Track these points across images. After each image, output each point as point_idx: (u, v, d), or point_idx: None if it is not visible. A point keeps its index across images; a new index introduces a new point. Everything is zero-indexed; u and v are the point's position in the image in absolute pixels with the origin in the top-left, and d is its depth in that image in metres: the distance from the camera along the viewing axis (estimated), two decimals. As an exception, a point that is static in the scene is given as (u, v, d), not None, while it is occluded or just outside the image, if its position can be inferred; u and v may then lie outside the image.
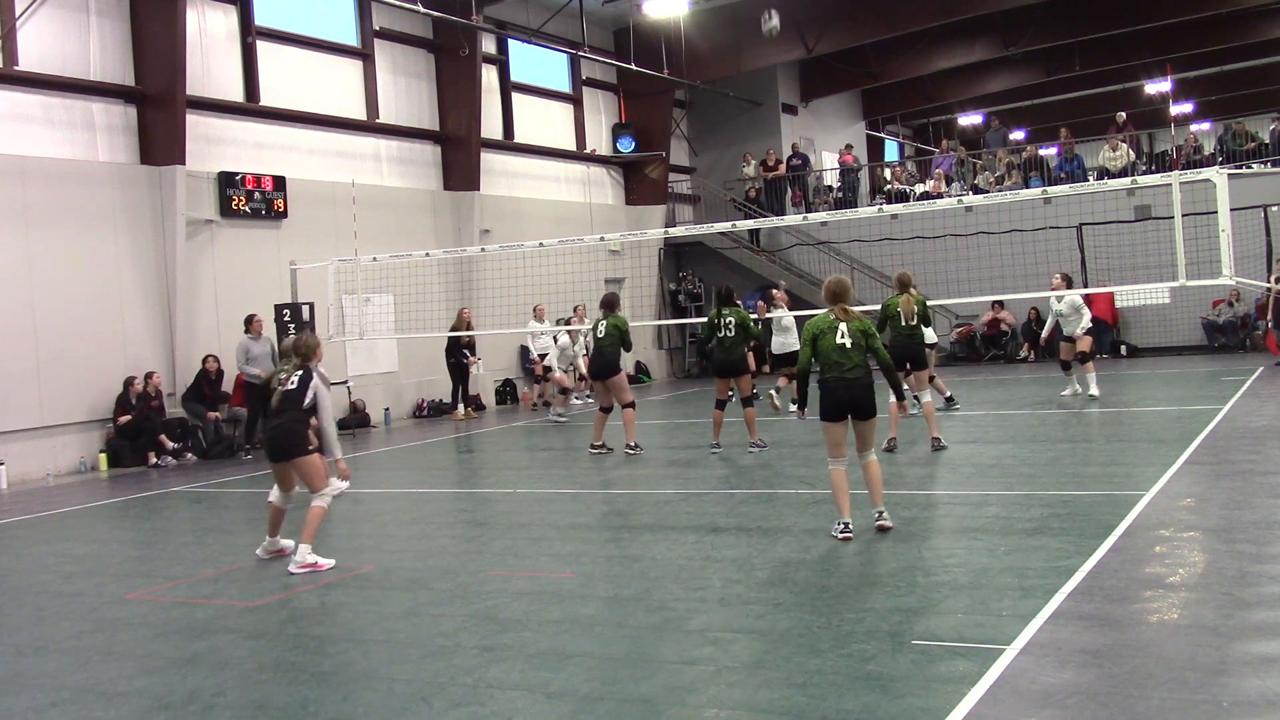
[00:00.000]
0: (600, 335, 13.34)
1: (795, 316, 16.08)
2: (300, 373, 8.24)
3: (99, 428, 15.63)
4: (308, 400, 8.15)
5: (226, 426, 16.51)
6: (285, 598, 7.30)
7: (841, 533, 7.82)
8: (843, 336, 7.91)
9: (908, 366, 11.84)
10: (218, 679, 5.66)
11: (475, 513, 10.30)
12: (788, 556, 7.42)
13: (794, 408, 15.82)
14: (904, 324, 11.81)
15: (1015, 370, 21.44)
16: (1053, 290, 15.53)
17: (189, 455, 15.96)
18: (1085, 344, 15.40)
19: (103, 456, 15.47)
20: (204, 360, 16.43)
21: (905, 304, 11.83)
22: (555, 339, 19.02)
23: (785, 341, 16.35)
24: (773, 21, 11.58)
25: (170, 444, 15.64)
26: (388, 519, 10.37)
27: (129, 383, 15.53)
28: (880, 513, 8.00)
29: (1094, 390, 15.09)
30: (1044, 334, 17.35)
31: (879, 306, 12.50)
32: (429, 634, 6.24)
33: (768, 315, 16.56)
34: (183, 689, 5.54)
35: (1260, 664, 4.86)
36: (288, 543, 8.43)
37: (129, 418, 15.44)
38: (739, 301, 13.54)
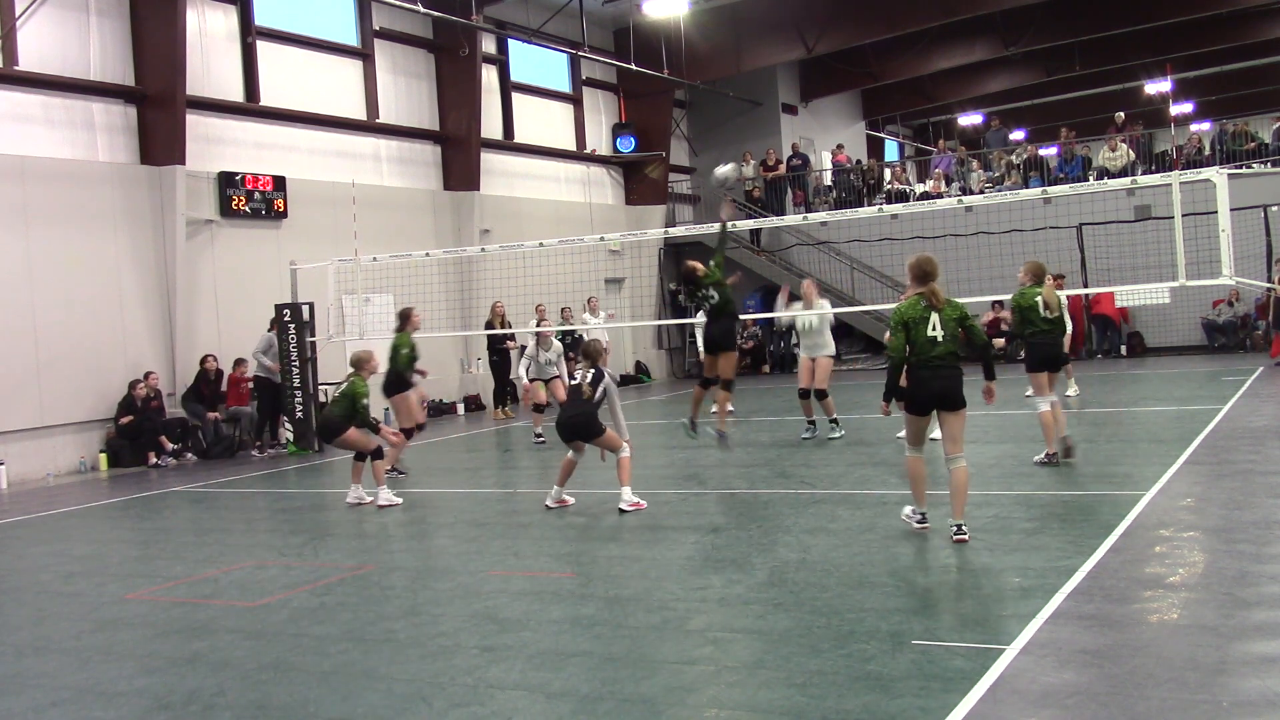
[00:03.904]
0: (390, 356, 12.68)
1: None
2: (593, 372, 9.78)
3: (99, 428, 15.63)
4: (598, 395, 9.72)
5: (226, 426, 16.51)
6: (285, 598, 7.30)
7: (919, 523, 7.74)
8: (934, 329, 7.50)
9: (1049, 366, 10.30)
10: (218, 679, 5.66)
11: (475, 513, 10.30)
12: (788, 556, 7.42)
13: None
14: (1044, 316, 10.29)
15: (1015, 370, 21.40)
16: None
17: (189, 455, 15.96)
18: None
19: (103, 456, 15.48)
20: (203, 360, 16.43)
21: (1048, 294, 10.32)
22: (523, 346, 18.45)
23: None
24: (726, 169, 11.35)
25: (170, 444, 15.66)
26: (388, 519, 10.36)
27: (133, 385, 15.54)
28: (959, 526, 7.43)
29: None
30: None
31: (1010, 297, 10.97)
32: (429, 634, 6.24)
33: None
34: (183, 689, 5.54)
35: (1260, 664, 4.85)
36: (569, 497, 10.10)
37: (130, 418, 15.45)
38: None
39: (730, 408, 12.50)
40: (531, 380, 15.64)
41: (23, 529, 11.08)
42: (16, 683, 5.87)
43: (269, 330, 16.38)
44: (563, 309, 20.51)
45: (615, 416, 9.95)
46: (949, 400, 7.53)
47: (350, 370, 11.22)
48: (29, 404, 14.85)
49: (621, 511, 9.42)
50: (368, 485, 11.02)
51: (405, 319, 13.06)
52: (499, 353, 20.08)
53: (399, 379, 12.66)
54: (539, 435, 15.20)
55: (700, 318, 12.58)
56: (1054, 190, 15.05)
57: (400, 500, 10.87)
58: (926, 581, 6.52)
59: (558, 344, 15.99)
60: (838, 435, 13.21)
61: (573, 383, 9.93)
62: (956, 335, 7.55)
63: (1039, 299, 10.31)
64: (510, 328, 19.42)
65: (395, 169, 20.88)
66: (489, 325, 19.41)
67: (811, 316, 13.46)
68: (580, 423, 9.74)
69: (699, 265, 11.94)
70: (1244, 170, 17.92)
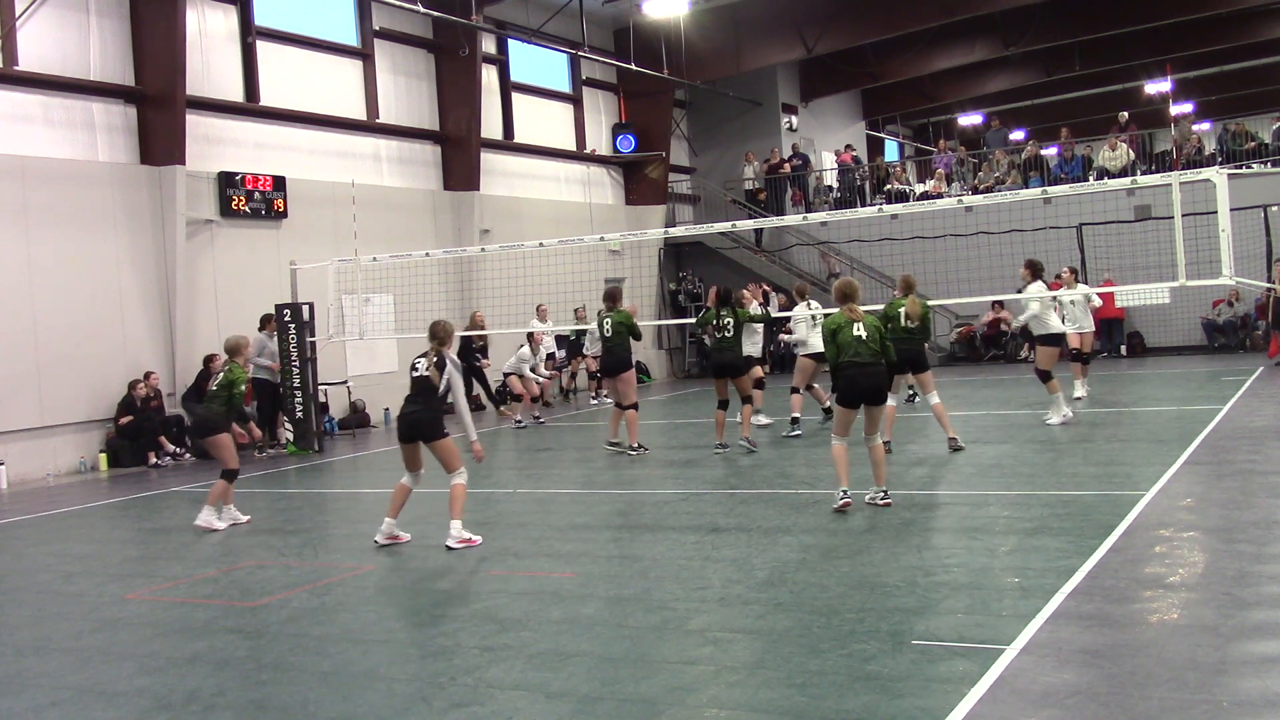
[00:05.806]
0: (608, 334, 13.26)
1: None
2: (435, 359, 8.63)
3: (99, 428, 15.63)
4: (443, 386, 8.62)
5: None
6: (285, 598, 7.30)
7: (841, 499, 8.71)
8: (858, 330, 8.80)
9: (908, 368, 11.70)
10: (218, 679, 5.66)
11: (475, 513, 10.28)
12: (788, 556, 7.42)
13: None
14: (904, 325, 11.55)
15: (1016, 370, 21.42)
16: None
17: (188, 455, 15.96)
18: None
19: (102, 456, 15.47)
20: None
21: (910, 306, 11.60)
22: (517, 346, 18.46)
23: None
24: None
25: (169, 444, 15.65)
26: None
27: (133, 385, 15.54)
28: (884, 492, 8.85)
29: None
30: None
31: (882, 307, 12.33)
32: (429, 634, 6.24)
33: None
34: (183, 689, 5.54)
35: (1260, 664, 4.86)
36: (405, 535, 8.82)
37: (130, 418, 15.45)
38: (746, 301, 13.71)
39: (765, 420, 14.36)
40: (510, 374, 17.71)
41: (23, 529, 11.08)
42: (16, 683, 5.87)
43: (260, 330, 16.29)
44: (576, 309, 20.39)
45: (460, 412, 8.80)
46: (874, 396, 8.85)
47: (226, 358, 10.37)
48: (29, 404, 14.84)
49: (449, 549, 8.39)
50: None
51: (616, 298, 13.55)
52: (471, 364, 18.18)
53: (625, 354, 13.16)
54: (520, 421, 17.35)
55: (699, 327, 13.47)
56: (1054, 190, 15.05)
57: (222, 526, 9.92)
58: (926, 581, 6.52)
59: (550, 340, 16.76)
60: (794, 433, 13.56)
61: (415, 374, 8.67)
62: (878, 338, 8.87)
63: (902, 309, 11.62)
64: (487, 340, 18.99)
65: (395, 169, 20.88)
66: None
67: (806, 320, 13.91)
68: (421, 419, 8.56)
69: (747, 296, 14.09)
70: (1244, 170, 17.89)
